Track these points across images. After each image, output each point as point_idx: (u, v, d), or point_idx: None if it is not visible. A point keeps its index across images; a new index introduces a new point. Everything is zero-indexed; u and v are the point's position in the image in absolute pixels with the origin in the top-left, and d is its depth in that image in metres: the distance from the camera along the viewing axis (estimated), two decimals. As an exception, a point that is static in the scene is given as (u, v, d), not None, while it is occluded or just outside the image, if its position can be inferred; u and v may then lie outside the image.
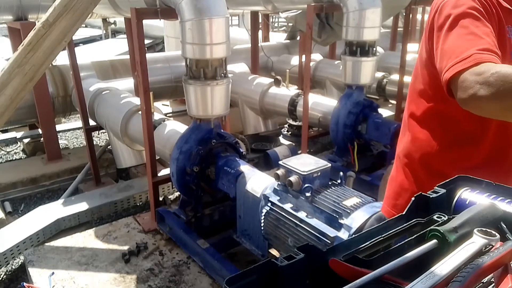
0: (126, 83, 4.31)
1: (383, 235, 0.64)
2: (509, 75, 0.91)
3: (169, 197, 3.75)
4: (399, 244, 0.63)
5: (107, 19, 5.29)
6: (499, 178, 0.80)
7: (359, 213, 1.87)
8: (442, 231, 0.60)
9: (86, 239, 3.02)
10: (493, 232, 0.60)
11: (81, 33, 12.32)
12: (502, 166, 1.29)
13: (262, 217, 2.24)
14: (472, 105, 1.01)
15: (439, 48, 1.13)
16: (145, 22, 2.78)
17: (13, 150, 5.07)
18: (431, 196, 0.74)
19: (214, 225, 2.97)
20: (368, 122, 3.73)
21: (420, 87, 1.34)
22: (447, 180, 0.78)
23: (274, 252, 2.63)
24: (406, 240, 0.63)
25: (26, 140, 4.93)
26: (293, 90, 4.49)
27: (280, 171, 2.15)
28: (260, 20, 5.70)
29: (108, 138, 4.14)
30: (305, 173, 2.05)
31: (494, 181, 0.77)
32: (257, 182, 2.42)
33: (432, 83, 1.27)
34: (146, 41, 6.32)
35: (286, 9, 4.99)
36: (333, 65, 5.52)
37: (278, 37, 7.60)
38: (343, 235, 1.85)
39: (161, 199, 3.44)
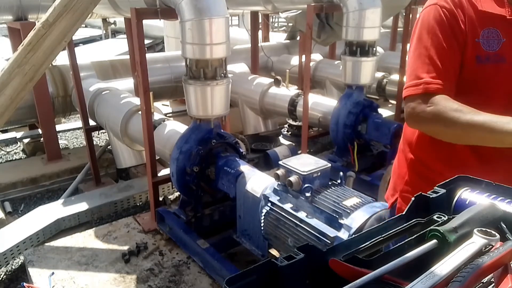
0: (126, 83, 4.31)
1: (383, 235, 0.64)
2: (441, 108, 1.18)
3: (169, 197, 3.76)
4: (399, 244, 0.63)
5: (107, 19, 5.29)
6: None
7: (359, 213, 1.87)
8: (442, 231, 0.60)
9: (86, 239, 3.02)
10: (493, 232, 0.60)
11: (81, 33, 12.32)
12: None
13: (262, 217, 2.24)
14: (411, 125, 1.32)
15: (408, 59, 1.34)
16: (145, 22, 2.78)
17: (13, 150, 5.07)
18: (431, 196, 0.74)
19: (214, 225, 2.97)
20: (368, 122, 3.73)
21: None
22: (447, 180, 0.78)
23: (274, 252, 2.63)
24: (406, 240, 0.63)
25: (26, 140, 4.93)
26: (293, 90, 4.49)
27: (280, 171, 2.15)
28: (260, 20, 5.70)
29: (108, 138, 4.14)
30: (305, 173, 2.05)
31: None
32: (257, 182, 2.42)
33: None
34: (146, 41, 6.33)
35: (286, 9, 4.99)
36: (333, 65, 5.52)
37: (278, 37, 7.60)
38: (343, 235, 1.85)
39: (161, 199, 3.44)
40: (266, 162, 3.95)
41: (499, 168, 1.26)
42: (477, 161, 1.32)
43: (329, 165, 2.14)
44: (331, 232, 1.90)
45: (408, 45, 5.44)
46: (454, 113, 1.15)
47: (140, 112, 3.22)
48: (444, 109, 1.17)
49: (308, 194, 2.02)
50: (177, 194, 3.74)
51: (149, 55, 3.87)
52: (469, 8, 1.23)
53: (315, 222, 1.98)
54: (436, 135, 1.29)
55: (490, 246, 0.58)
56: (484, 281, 0.55)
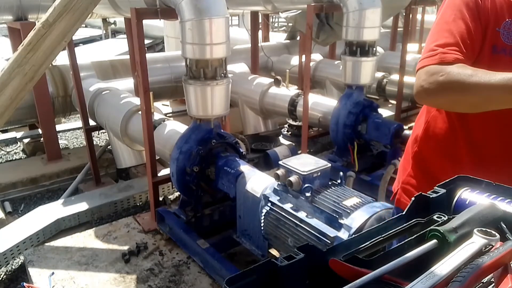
0: (126, 83, 4.31)
1: (383, 235, 0.64)
2: (455, 75, 1.10)
3: (169, 197, 3.76)
4: (399, 244, 0.63)
5: (107, 19, 5.29)
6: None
7: (359, 213, 1.87)
8: (442, 231, 0.60)
9: (86, 239, 3.02)
10: (493, 232, 0.60)
11: (81, 33, 12.32)
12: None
13: (262, 217, 2.24)
14: (422, 99, 1.23)
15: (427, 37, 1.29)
16: (145, 22, 2.78)
17: (13, 150, 5.07)
18: (431, 196, 0.74)
19: (214, 225, 2.97)
20: (368, 122, 3.73)
21: None
22: (447, 180, 0.78)
23: (274, 252, 2.63)
24: (406, 240, 0.63)
25: (26, 140, 4.93)
26: (293, 90, 4.49)
27: (280, 171, 2.15)
28: (260, 20, 5.70)
29: (108, 138, 4.14)
30: (305, 173, 2.05)
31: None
32: (257, 182, 2.42)
33: None
34: (146, 41, 6.33)
35: (286, 9, 4.99)
36: (333, 65, 5.52)
37: (278, 37, 7.60)
38: (343, 235, 1.85)
39: (161, 199, 3.43)
40: (266, 162, 3.95)
41: (498, 166, 1.26)
42: (477, 158, 1.31)
43: (329, 165, 2.14)
44: (331, 232, 1.90)
45: (408, 45, 5.44)
46: (470, 78, 1.08)
47: (140, 112, 3.22)
48: (459, 76, 1.10)
49: (308, 194, 2.03)
50: (177, 194, 3.74)
51: (149, 55, 3.87)
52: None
53: (315, 222, 1.98)
54: (451, 106, 1.22)
55: (490, 246, 0.58)
56: (484, 281, 0.55)
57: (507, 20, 1.19)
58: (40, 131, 4.67)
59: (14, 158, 4.96)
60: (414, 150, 1.48)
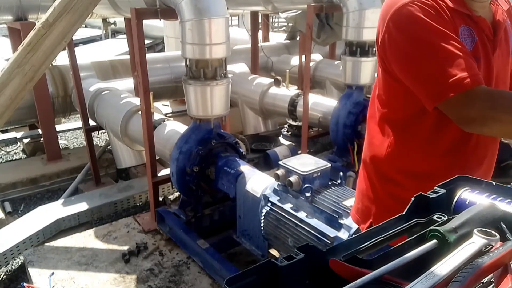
0: (126, 83, 4.31)
1: (383, 235, 0.64)
2: (499, 97, 1.02)
3: (169, 197, 3.75)
4: (399, 244, 0.63)
5: (107, 19, 5.29)
6: None
7: (359, 213, 1.87)
8: (442, 231, 0.60)
9: (86, 239, 3.02)
10: (493, 232, 0.60)
11: (81, 33, 12.31)
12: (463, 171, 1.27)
13: (262, 217, 2.24)
14: (475, 128, 1.09)
15: (404, 69, 1.13)
16: (145, 22, 2.78)
17: (13, 150, 5.07)
18: (431, 196, 0.74)
19: (214, 225, 2.97)
20: (368, 122, 3.72)
21: (376, 91, 1.33)
22: (447, 180, 0.78)
23: (274, 252, 2.63)
24: (406, 240, 0.63)
25: (26, 140, 4.93)
26: (293, 90, 4.49)
27: (280, 171, 2.15)
28: (260, 20, 5.70)
29: (108, 138, 4.14)
30: (305, 173, 2.05)
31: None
32: (257, 182, 2.42)
33: (386, 91, 1.27)
34: (146, 41, 6.32)
35: (286, 9, 4.99)
36: (333, 65, 5.52)
37: (278, 37, 7.59)
38: (343, 235, 1.85)
39: (161, 199, 3.43)
40: (266, 162, 3.95)
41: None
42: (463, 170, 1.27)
43: (329, 165, 2.14)
44: (331, 232, 1.90)
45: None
46: (508, 103, 1.00)
47: (140, 112, 3.22)
48: (496, 104, 1.01)
49: (308, 194, 2.03)
50: (177, 194, 3.74)
51: (149, 55, 3.87)
52: (442, 5, 1.10)
53: (315, 222, 1.98)
54: (498, 133, 1.13)
55: (490, 246, 0.58)
56: (484, 281, 0.55)
57: (461, 27, 1.12)
58: (40, 131, 4.67)
59: (14, 158, 4.96)
60: (380, 175, 1.34)
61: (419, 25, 1.07)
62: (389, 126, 1.29)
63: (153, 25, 9.04)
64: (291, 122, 5.15)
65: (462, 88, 1.02)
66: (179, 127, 3.18)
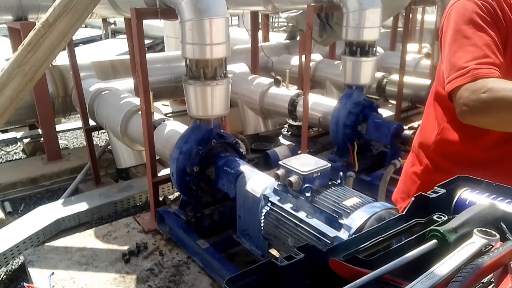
0: (126, 83, 4.31)
1: (383, 235, 0.64)
2: (499, 91, 1.01)
3: (169, 197, 3.75)
4: (399, 244, 0.63)
5: (107, 19, 5.29)
6: (498, 178, 0.81)
7: (359, 213, 1.87)
8: (442, 231, 0.60)
9: (86, 239, 3.02)
10: (493, 232, 0.60)
11: (81, 33, 12.33)
12: (503, 166, 1.28)
13: (262, 217, 2.24)
14: (468, 119, 1.11)
15: (444, 56, 1.21)
16: (145, 22, 2.78)
17: (13, 150, 5.07)
18: (431, 196, 0.74)
19: (214, 225, 2.97)
20: (368, 122, 3.73)
21: (438, 86, 1.38)
22: (447, 180, 0.78)
23: (274, 252, 2.63)
24: (406, 240, 0.63)
25: (26, 140, 4.93)
26: (293, 90, 4.49)
27: (280, 171, 2.15)
28: (260, 20, 5.70)
29: (108, 138, 4.14)
30: (305, 173, 2.05)
31: (494, 180, 0.77)
32: (257, 182, 2.42)
33: (442, 76, 1.31)
34: (146, 41, 6.33)
35: (286, 9, 5.00)
36: (333, 65, 5.52)
37: (278, 37, 7.60)
38: (343, 235, 1.85)
39: (160, 199, 3.43)
40: (266, 162, 3.95)
41: None
42: (505, 165, 1.26)
43: (329, 165, 2.14)
44: (331, 232, 1.90)
45: (408, 45, 5.44)
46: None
47: (140, 112, 3.22)
48: (504, 92, 1.00)
49: (308, 194, 2.02)
50: (177, 194, 3.74)
51: (149, 55, 3.87)
52: (507, 2, 1.15)
53: (315, 222, 1.98)
54: (499, 126, 1.11)
55: (490, 246, 0.58)
56: (484, 281, 0.55)
57: None
58: (40, 131, 4.68)
59: (14, 158, 4.96)
60: (425, 162, 1.41)
61: (467, 19, 1.15)
62: (442, 113, 1.35)
63: (153, 25, 9.05)
64: (291, 122, 5.15)
65: (469, 79, 1.07)
66: (179, 127, 3.18)
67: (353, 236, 0.68)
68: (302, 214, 2.05)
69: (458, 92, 1.10)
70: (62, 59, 3.93)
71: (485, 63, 1.08)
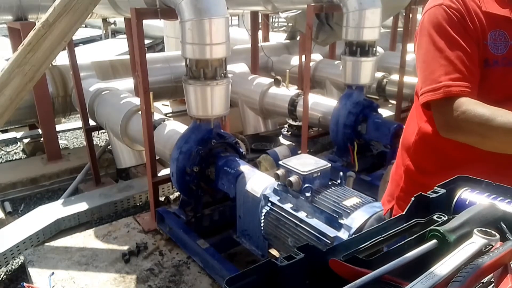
0: (126, 83, 4.31)
1: (383, 235, 0.64)
2: (472, 118, 1.06)
3: (170, 196, 3.75)
4: (399, 244, 0.63)
5: (107, 19, 5.29)
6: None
7: (359, 213, 1.87)
8: (442, 231, 0.60)
9: (86, 239, 3.02)
10: (493, 232, 0.60)
11: (81, 33, 12.33)
12: (484, 166, 1.26)
13: (262, 217, 2.24)
14: (446, 134, 1.16)
15: (418, 65, 1.23)
16: (145, 22, 2.78)
17: (13, 150, 5.07)
18: (431, 196, 0.74)
19: (214, 225, 2.97)
20: (368, 122, 3.73)
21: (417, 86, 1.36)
22: (447, 180, 0.78)
23: (274, 252, 2.63)
24: (406, 240, 0.63)
25: (26, 140, 4.93)
26: (293, 90, 4.49)
27: (280, 171, 2.15)
28: (260, 20, 5.70)
29: (108, 138, 4.14)
30: (305, 173, 2.05)
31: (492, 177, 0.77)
32: (257, 182, 2.42)
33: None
34: (146, 41, 6.33)
35: (286, 9, 5.00)
36: (333, 65, 5.52)
37: (278, 37, 7.60)
38: (343, 235, 1.85)
39: (162, 199, 3.43)
40: (266, 162, 3.94)
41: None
42: (486, 165, 1.27)
43: (329, 165, 2.14)
44: (331, 232, 1.90)
45: (408, 45, 5.43)
46: (489, 121, 1.03)
47: (140, 112, 3.22)
48: (476, 119, 1.05)
49: (308, 194, 2.03)
50: (177, 194, 3.74)
51: (149, 55, 3.87)
52: (474, 9, 1.16)
53: (315, 222, 1.98)
54: (475, 145, 1.14)
55: (490, 246, 0.58)
56: (484, 281, 0.55)
57: (491, 31, 1.16)
58: (40, 131, 4.68)
59: (14, 158, 4.96)
60: (406, 163, 1.40)
61: (438, 29, 1.17)
62: (422, 113, 1.35)
63: (153, 25, 9.05)
64: (291, 122, 5.15)
65: (441, 95, 1.12)
66: (179, 127, 3.18)
67: (353, 236, 0.68)
68: (302, 214, 2.05)
69: (432, 108, 1.17)
70: (62, 59, 3.93)
71: (457, 79, 1.12)
